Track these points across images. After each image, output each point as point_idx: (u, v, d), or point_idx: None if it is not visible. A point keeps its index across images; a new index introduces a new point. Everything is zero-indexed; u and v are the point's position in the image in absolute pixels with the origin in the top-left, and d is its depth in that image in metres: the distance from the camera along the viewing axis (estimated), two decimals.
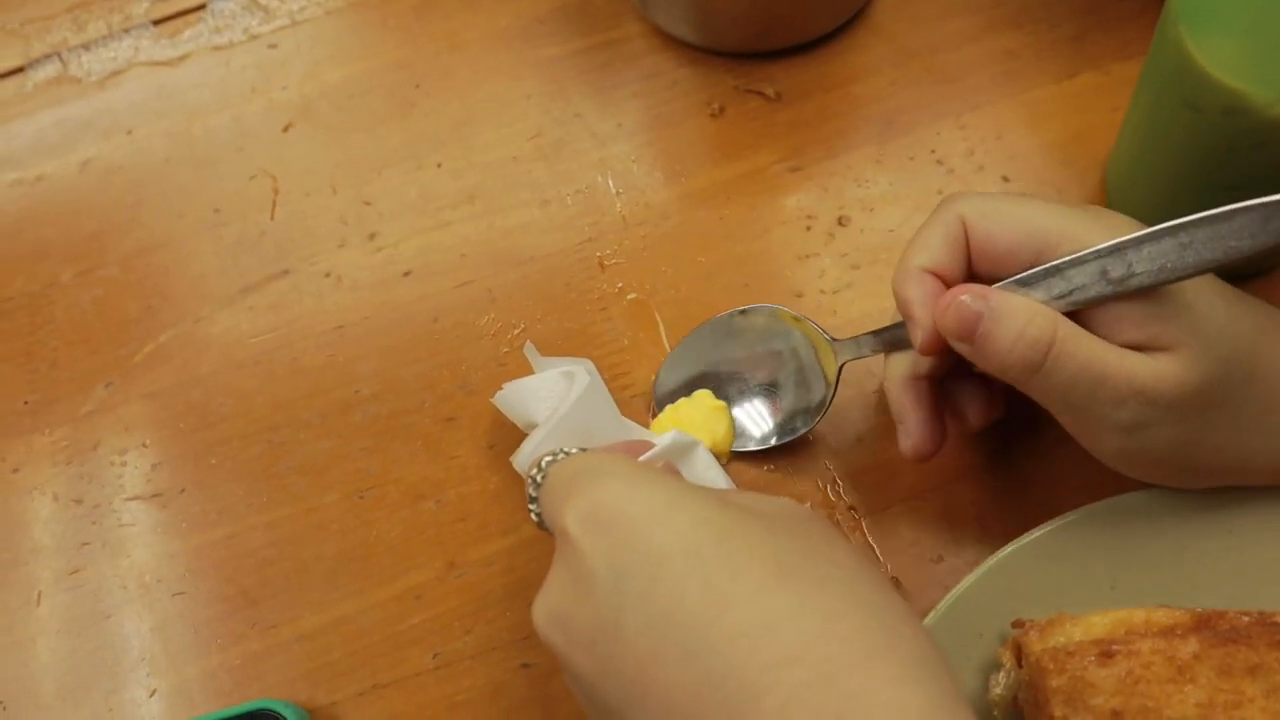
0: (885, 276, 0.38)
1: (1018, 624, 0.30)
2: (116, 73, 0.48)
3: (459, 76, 0.45)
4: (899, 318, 0.31)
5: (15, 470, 0.40)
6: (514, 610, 0.35)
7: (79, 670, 0.36)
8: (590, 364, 0.36)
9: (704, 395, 0.36)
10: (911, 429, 0.31)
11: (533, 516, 0.28)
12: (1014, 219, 0.29)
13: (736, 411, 0.36)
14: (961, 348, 0.29)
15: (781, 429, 0.35)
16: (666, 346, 0.38)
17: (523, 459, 0.32)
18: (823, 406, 0.35)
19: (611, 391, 0.37)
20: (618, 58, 0.44)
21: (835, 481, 0.35)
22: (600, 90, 0.44)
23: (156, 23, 0.49)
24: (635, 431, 0.34)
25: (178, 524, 0.38)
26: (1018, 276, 0.29)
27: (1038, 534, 0.32)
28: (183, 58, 0.48)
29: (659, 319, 0.39)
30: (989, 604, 0.31)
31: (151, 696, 0.35)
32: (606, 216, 0.41)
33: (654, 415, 0.36)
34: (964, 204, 0.30)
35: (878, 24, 0.43)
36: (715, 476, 0.33)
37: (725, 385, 0.36)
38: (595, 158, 0.43)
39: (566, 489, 0.25)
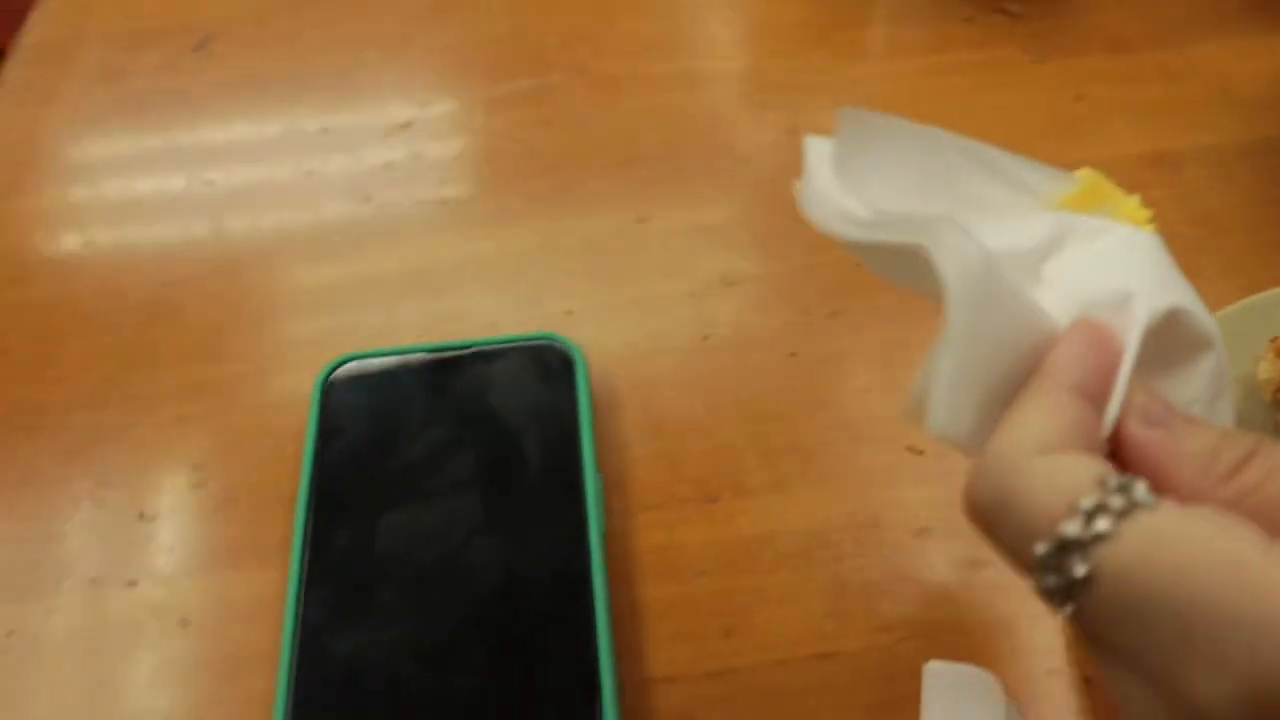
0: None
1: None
2: None
3: None
4: None
5: None
6: None
7: None
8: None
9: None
10: None
11: (1054, 599, 0.18)
12: None
13: None
14: None
15: None
16: None
17: (940, 420, 0.20)
18: None
19: None
20: None
21: None
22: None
23: None
24: (1051, 299, 0.21)
25: (455, 226, 0.42)
26: None
27: None
28: None
29: None
30: None
31: None
32: (874, 68, 0.48)
33: None
34: None
35: None
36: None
37: None
38: (856, 36, 0.49)
39: (1208, 635, 0.15)
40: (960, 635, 0.30)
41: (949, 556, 0.32)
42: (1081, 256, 0.21)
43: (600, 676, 0.28)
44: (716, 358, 0.37)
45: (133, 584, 0.33)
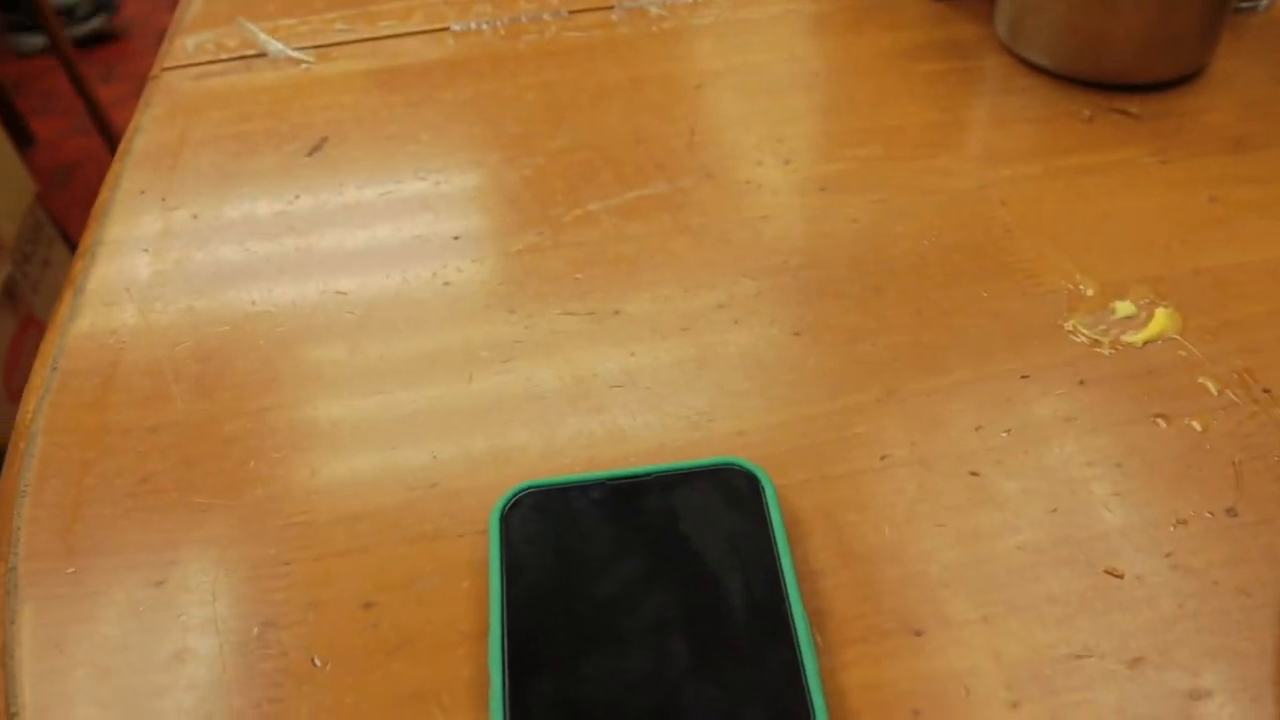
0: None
1: None
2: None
3: (850, 72, 0.53)
4: None
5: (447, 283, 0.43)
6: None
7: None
8: None
9: None
10: None
11: None
12: None
13: None
14: None
15: None
16: (1072, 268, 0.43)
17: None
18: None
19: (1016, 282, 0.41)
20: (991, 74, 0.53)
21: None
22: (979, 94, 0.52)
23: (571, 12, 0.58)
24: None
25: (608, 340, 0.41)
26: None
27: None
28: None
29: (1051, 245, 0.44)
30: None
31: None
32: (1004, 171, 0.47)
33: None
34: None
35: (1212, 85, 0.52)
36: None
37: None
38: (980, 137, 0.50)
39: None
40: None
41: (1167, 688, 0.31)
42: None
43: None
44: (896, 477, 0.36)
45: None
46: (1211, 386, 0.38)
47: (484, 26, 0.57)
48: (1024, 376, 0.39)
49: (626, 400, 0.39)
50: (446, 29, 0.56)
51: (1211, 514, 0.35)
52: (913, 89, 0.52)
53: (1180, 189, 0.46)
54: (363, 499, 0.36)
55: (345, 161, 0.49)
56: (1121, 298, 0.42)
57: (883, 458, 0.37)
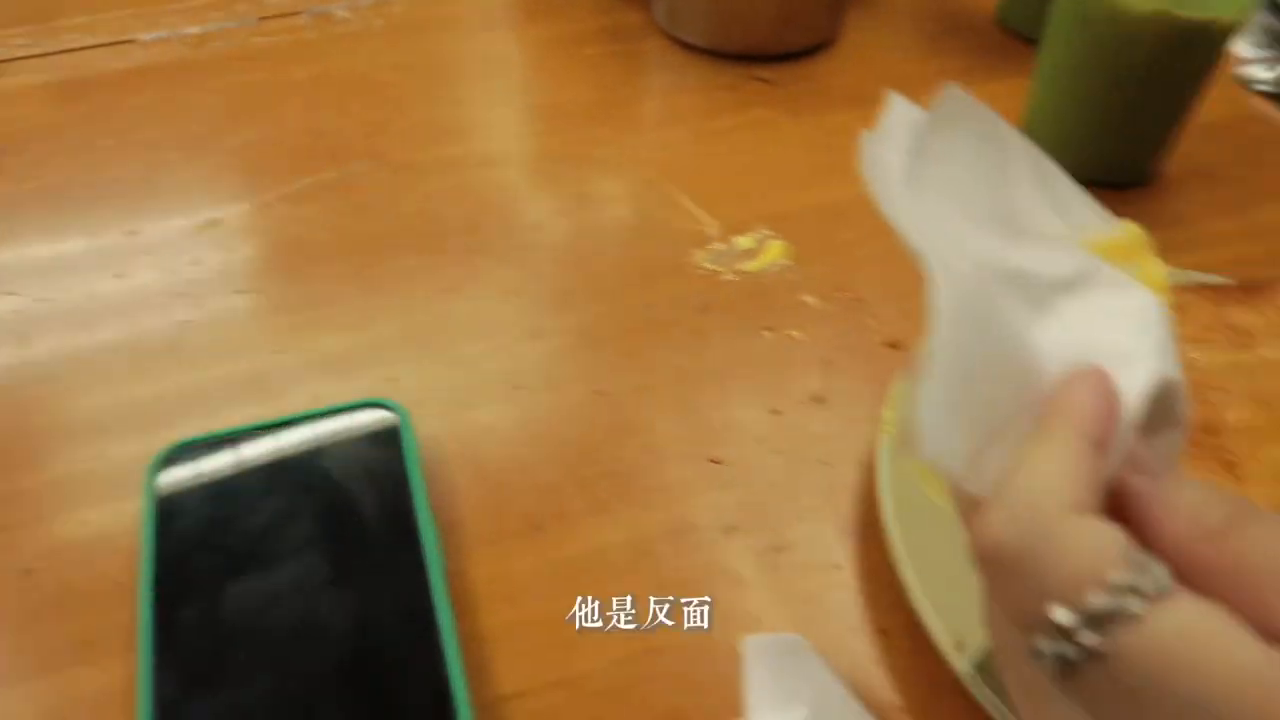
0: None
1: None
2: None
3: (520, 61, 0.58)
4: None
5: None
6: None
7: None
8: None
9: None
10: None
11: (1049, 661, 0.18)
12: None
13: None
14: None
15: None
16: (702, 213, 0.48)
17: (934, 446, 0.20)
18: None
19: (653, 226, 0.46)
20: (650, 54, 0.58)
21: None
22: (637, 73, 0.57)
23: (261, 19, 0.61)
24: (1056, 333, 0.22)
25: (272, 312, 0.44)
26: None
27: None
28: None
29: (686, 195, 0.49)
30: None
31: None
32: (651, 136, 0.53)
33: None
34: None
35: (842, 53, 0.59)
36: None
37: None
38: (634, 110, 0.55)
39: None
40: (773, 611, 0.34)
41: (755, 546, 0.36)
42: (1099, 304, 0.22)
43: (455, 702, 0.30)
44: (530, 404, 0.40)
45: None
46: (812, 301, 0.44)
47: (172, 36, 0.58)
48: (650, 305, 0.44)
49: (287, 363, 0.41)
50: (133, 41, 0.58)
51: (802, 403, 0.40)
52: (575, 72, 0.57)
53: (804, 141, 0.53)
54: (24, 472, 0.38)
55: (26, 170, 0.50)
56: (742, 234, 0.47)
57: (515, 387, 0.41)
